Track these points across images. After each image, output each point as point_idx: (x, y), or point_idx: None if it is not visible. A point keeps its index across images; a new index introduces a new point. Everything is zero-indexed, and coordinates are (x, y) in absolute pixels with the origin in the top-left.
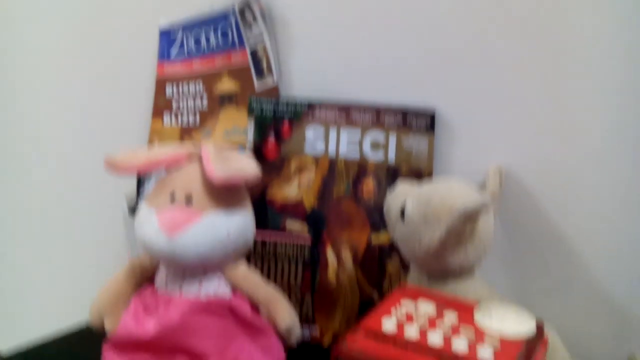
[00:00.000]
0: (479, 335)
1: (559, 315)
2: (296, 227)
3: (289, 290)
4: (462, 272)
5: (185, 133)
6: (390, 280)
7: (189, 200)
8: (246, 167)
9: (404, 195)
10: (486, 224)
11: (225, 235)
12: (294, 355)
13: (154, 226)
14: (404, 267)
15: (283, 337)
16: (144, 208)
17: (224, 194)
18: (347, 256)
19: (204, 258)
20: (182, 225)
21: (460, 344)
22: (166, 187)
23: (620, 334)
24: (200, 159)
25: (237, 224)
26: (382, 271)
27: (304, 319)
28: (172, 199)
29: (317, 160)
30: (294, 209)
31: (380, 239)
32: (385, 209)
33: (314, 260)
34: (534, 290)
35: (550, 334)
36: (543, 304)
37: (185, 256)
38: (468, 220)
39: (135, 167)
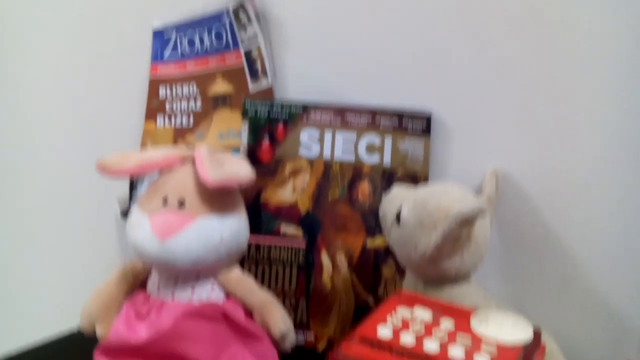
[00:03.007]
0: (476, 343)
1: (555, 321)
2: (291, 230)
3: (283, 295)
4: (458, 277)
5: (179, 135)
6: (385, 285)
7: (181, 204)
8: (240, 170)
9: (399, 199)
10: (482, 229)
11: (218, 239)
12: None
13: (146, 231)
14: (400, 271)
15: (277, 343)
16: (136, 212)
17: (217, 198)
18: (342, 260)
19: (197, 263)
20: (174, 229)
21: (456, 352)
22: (158, 191)
23: (617, 339)
24: (193, 162)
25: (230, 228)
26: (377, 276)
27: (299, 324)
28: (165, 202)
29: (311, 164)
30: (289, 213)
31: (375, 243)
32: (380, 213)
33: (309, 265)
34: (530, 295)
35: (547, 339)
36: (539, 309)
37: (178, 261)
38: (464, 224)
39: (127, 170)
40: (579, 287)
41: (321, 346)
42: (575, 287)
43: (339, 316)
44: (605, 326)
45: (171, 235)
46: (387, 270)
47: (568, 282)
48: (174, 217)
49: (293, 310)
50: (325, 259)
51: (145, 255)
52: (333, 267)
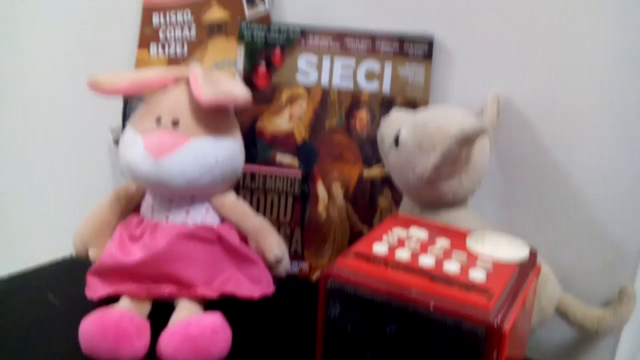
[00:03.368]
0: (472, 259)
1: (550, 248)
2: (286, 160)
3: (278, 225)
4: (455, 202)
5: (173, 64)
6: (381, 216)
7: (175, 124)
8: (235, 90)
9: (398, 122)
10: (482, 152)
11: (213, 161)
12: (282, 289)
13: (139, 150)
14: (396, 202)
15: (271, 268)
16: (129, 131)
17: (212, 119)
18: (337, 191)
19: (191, 183)
20: (168, 149)
21: (452, 267)
22: (152, 111)
23: (612, 267)
24: (187, 82)
25: (225, 150)
26: (373, 206)
27: (293, 254)
28: (159, 122)
29: (309, 91)
30: (285, 141)
31: (372, 173)
32: (378, 136)
33: (304, 195)
34: (526, 222)
35: (542, 265)
36: (535, 236)
37: (172, 181)
38: (464, 144)
39: (120, 88)
40: (575, 214)
41: (315, 277)
42: (572, 214)
43: (334, 246)
44: (601, 253)
45: (165, 155)
46: (383, 201)
47: (565, 209)
48: (168, 137)
49: (288, 240)
50: (321, 189)
51: (138, 174)
52: (329, 197)
